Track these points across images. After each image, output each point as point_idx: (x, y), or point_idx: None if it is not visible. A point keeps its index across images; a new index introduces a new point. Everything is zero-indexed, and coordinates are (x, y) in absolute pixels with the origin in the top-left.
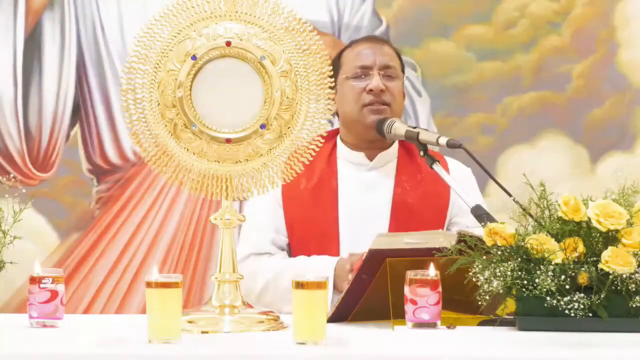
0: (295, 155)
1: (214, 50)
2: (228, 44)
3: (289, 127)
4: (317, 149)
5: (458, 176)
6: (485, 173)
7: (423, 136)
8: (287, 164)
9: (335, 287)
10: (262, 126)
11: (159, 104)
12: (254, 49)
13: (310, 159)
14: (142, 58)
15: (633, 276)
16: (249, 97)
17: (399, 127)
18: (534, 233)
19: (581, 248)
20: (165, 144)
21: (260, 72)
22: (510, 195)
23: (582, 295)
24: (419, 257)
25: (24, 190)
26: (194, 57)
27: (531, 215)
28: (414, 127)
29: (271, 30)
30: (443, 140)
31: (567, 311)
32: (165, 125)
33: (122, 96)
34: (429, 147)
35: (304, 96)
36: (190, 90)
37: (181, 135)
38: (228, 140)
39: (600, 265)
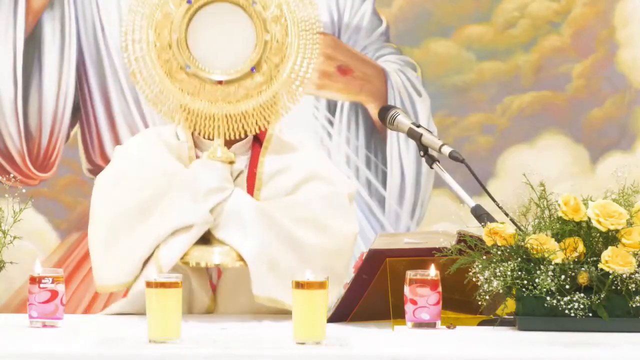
0: (285, 98)
1: None
2: None
3: (278, 71)
4: (304, 91)
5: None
6: (483, 176)
7: (426, 140)
8: (275, 107)
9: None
10: (253, 69)
11: (156, 45)
12: None
13: (298, 102)
14: (141, 1)
15: (633, 276)
16: (240, 40)
17: (403, 122)
18: (534, 233)
19: (581, 248)
20: (162, 83)
21: (252, 17)
22: (505, 213)
23: (582, 295)
24: (419, 257)
25: (24, 190)
26: (189, 1)
27: (519, 228)
28: (418, 126)
29: None
30: (446, 150)
31: (567, 311)
32: (162, 66)
33: (122, 36)
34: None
35: (294, 40)
36: (186, 33)
37: (176, 76)
38: (220, 82)
39: (600, 265)
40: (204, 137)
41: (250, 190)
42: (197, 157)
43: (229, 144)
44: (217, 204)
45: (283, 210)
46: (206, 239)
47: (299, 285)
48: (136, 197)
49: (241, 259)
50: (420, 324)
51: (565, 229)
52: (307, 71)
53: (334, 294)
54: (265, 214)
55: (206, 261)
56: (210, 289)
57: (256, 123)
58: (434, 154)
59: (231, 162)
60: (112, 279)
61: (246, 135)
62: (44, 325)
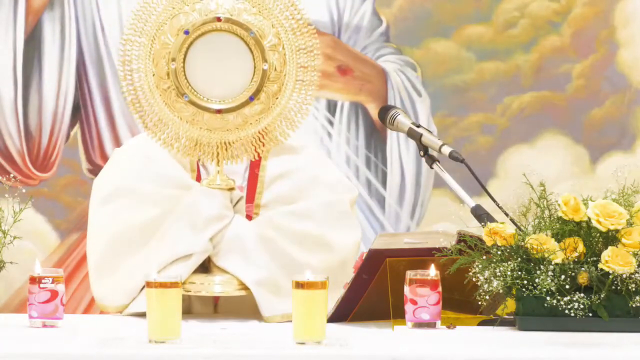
0: (283, 125)
1: (206, 25)
2: (219, 19)
3: (277, 98)
4: (304, 120)
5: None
6: (483, 176)
7: (426, 140)
8: (274, 134)
9: None
10: (251, 98)
11: (154, 74)
12: (244, 24)
13: (297, 128)
14: (138, 31)
15: (633, 276)
16: (238, 69)
17: (403, 122)
18: (534, 233)
19: (581, 248)
20: (161, 112)
21: (250, 46)
22: (505, 213)
23: (582, 295)
24: (419, 257)
25: (24, 190)
26: (186, 32)
27: (519, 228)
28: (418, 126)
29: (260, 4)
30: (446, 150)
31: (567, 311)
32: (160, 95)
33: (120, 66)
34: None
35: (292, 68)
36: (184, 62)
37: (174, 105)
38: (218, 111)
39: (600, 265)
40: (203, 164)
41: (252, 191)
42: (198, 159)
43: None
44: (216, 232)
45: (283, 230)
46: (205, 267)
47: (299, 285)
48: (136, 216)
49: (242, 287)
50: (420, 324)
51: (565, 229)
52: (306, 98)
53: (335, 299)
54: (267, 240)
55: (207, 291)
56: (212, 307)
57: (255, 150)
58: (434, 154)
59: (231, 189)
60: (109, 300)
61: (244, 162)
62: (44, 325)
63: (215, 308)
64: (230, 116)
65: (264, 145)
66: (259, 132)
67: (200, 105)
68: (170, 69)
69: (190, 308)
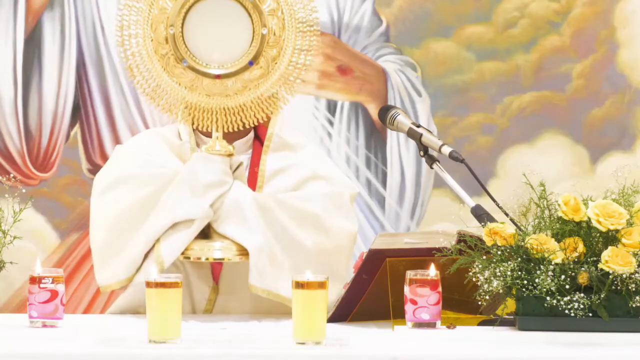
0: (282, 90)
1: None
2: None
3: (276, 63)
4: (301, 84)
5: None
6: (483, 176)
7: (426, 140)
8: (274, 98)
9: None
10: (250, 62)
11: (152, 40)
12: None
13: (296, 92)
14: None
15: (633, 276)
16: (237, 34)
17: (403, 122)
18: (534, 233)
19: (581, 248)
20: (159, 78)
21: (249, 11)
22: (505, 213)
23: (582, 295)
24: (419, 257)
25: (24, 190)
26: None
27: (519, 228)
28: (418, 126)
29: None
30: (446, 150)
31: (567, 311)
32: (159, 61)
33: (117, 31)
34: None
35: (291, 33)
36: (182, 27)
37: (173, 70)
38: (218, 76)
39: (600, 265)
40: (203, 131)
41: (252, 186)
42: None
43: (230, 142)
44: (216, 197)
45: (283, 204)
46: (205, 233)
47: (299, 285)
48: (137, 195)
49: (241, 253)
50: (420, 324)
51: (565, 229)
52: (305, 63)
53: (334, 292)
54: (266, 209)
55: (207, 256)
56: (211, 279)
57: (254, 115)
58: (434, 154)
59: (230, 155)
60: (114, 277)
61: (245, 128)
62: (44, 325)
63: (216, 286)
64: (229, 81)
65: (263, 111)
66: (259, 98)
67: (199, 71)
68: (168, 34)
69: (190, 287)
